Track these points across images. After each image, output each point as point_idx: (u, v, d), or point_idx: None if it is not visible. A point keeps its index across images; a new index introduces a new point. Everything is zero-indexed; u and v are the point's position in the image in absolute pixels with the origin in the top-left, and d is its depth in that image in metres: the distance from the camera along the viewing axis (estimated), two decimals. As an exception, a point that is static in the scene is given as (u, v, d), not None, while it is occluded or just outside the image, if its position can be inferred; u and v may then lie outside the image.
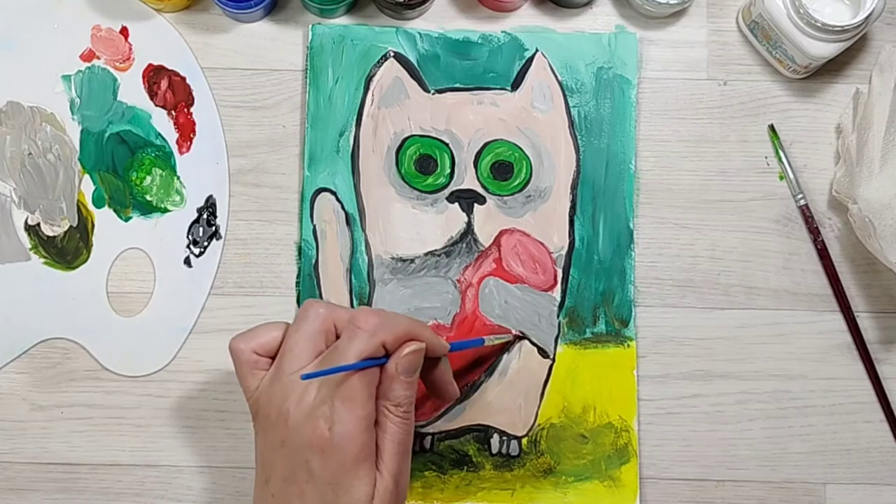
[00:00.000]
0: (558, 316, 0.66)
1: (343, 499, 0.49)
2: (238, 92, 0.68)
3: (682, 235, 0.68)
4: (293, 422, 0.50)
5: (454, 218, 0.67)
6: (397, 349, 0.51)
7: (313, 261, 0.66)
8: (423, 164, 0.67)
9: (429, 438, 0.65)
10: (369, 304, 0.66)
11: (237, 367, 0.53)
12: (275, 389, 0.51)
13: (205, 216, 0.67)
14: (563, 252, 0.67)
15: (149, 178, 0.67)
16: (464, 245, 0.67)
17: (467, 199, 0.67)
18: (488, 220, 0.67)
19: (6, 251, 0.67)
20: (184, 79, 0.68)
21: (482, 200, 0.67)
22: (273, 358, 0.53)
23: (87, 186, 0.67)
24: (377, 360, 0.51)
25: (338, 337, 0.53)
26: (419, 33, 0.68)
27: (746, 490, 0.66)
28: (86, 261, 0.67)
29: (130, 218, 0.67)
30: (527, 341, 0.66)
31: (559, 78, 0.68)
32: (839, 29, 0.62)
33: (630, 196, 0.67)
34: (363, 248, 0.66)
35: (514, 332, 0.65)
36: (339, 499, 0.49)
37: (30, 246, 0.67)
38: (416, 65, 0.68)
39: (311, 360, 0.51)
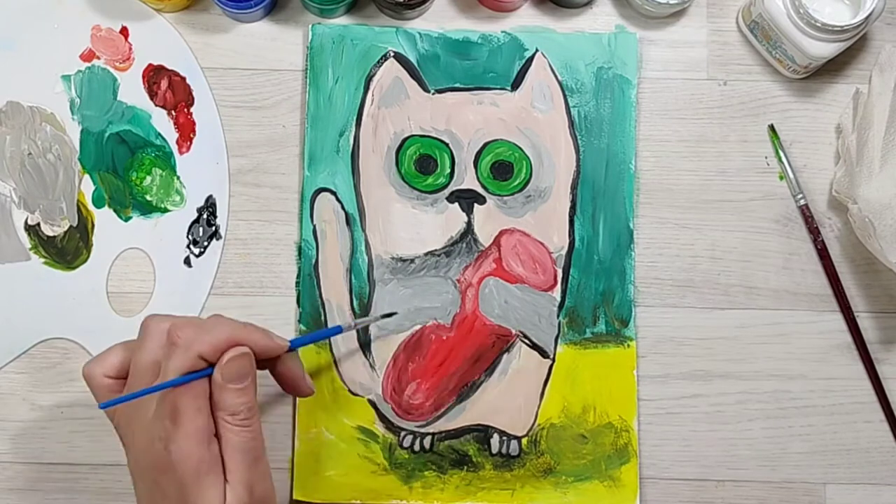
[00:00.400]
0: (558, 316, 0.66)
1: None
2: (238, 92, 0.68)
3: (682, 235, 0.68)
4: (138, 444, 0.50)
5: (454, 218, 0.67)
6: (220, 357, 0.50)
7: (313, 261, 0.66)
8: (423, 164, 0.67)
9: (429, 438, 0.65)
10: (369, 304, 0.66)
11: (93, 392, 0.53)
12: (126, 412, 0.51)
13: (205, 216, 0.67)
14: (563, 252, 0.67)
15: (149, 178, 0.67)
16: (464, 245, 0.67)
17: (467, 199, 0.67)
18: (488, 220, 0.67)
19: (6, 251, 0.67)
20: (184, 79, 0.68)
21: (482, 200, 0.67)
22: (125, 379, 0.53)
23: (87, 186, 0.67)
24: (199, 374, 0.50)
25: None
26: (419, 33, 0.68)
27: (746, 490, 0.66)
28: (86, 261, 0.67)
29: (130, 218, 0.67)
30: (525, 342, 0.66)
31: (559, 78, 0.68)
32: (839, 29, 0.62)
33: (630, 196, 0.67)
34: (363, 248, 0.66)
35: (378, 315, 0.65)
36: None
37: (30, 246, 0.67)
38: (416, 65, 0.68)
39: (156, 378, 0.50)
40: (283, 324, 0.66)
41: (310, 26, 0.68)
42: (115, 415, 0.52)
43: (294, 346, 0.56)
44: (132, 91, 0.68)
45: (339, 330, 0.62)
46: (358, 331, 0.66)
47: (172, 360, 0.49)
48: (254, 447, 0.51)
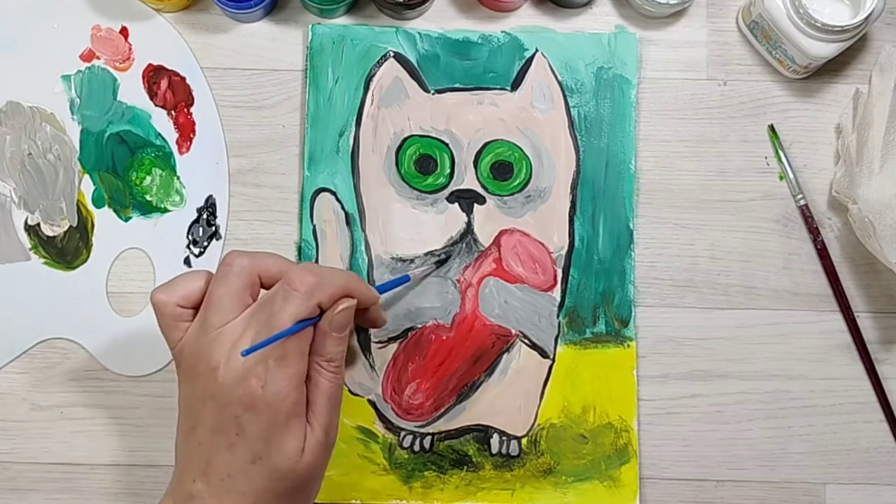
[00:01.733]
0: (558, 316, 0.66)
1: (274, 451, 0.49)
2: (238, 92, 0.68)
3: (682, 235, 0.68)
4: (223, 378, 0.49)
5: (454, 218, 0.67)
6: (331, 307, 0.51)
7: (313, 261, 0.66)
8: (422, 164, 0.67)
9: (429, 438, 0.65)
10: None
11: (160, 320, 0.53)
12: (201, 343, 0.51)
13: (205, 216, 0.67)
14: (563, 252, 0.67)
15: (149, 178, 0.67)
16: (464, 245, 0.67)
17: (467, 199, 0.67)
18: (488, 220, 0.67)
19: (6, 251, 0.67)
20: (184, 79, 0.68)
21: (482, 200, 0.67)
22: (196, 308, 0.53)
23: (87, 186, 0.67)
24: (311, 320, 0.51)
25: (263, 287, 0.52)
26: (419, 33, 0.68)
27: (746, 490, 0.66)
28: (86, 261, 0.67)
29: (130, 218, 0.67)
30: (525, 342, 0.66)
31: (559, 78, 0.68)
32: (839, 29, 0.62)
33: (630, 196, 0.67)
34: (363, 248, 0.66)
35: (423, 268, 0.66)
36: (270, 451, 0.49)
37: (30, 246, 0.67)
38: (416, 65, 0.68)
39: (238, 314, 0.51)
40: (283, 324, 0.66)
41: (310, 26, 0.68)
42: (183, 343, 0.52)
43: (385, 290, 0.59)
44: (132, 91, 0.68)
45: (407, 279, 0.63)
46: (358, 331, 0.66)
47: (291, 306, 0.50)
48: (338, 393, 0.53)
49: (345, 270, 0.54)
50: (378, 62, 0.68)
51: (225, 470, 0.49)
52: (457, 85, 0.68)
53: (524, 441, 0.65)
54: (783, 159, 0.68)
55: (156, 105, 0.68)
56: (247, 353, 0.49)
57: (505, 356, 0.66)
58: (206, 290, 0.52)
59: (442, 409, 0.66)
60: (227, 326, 0.51)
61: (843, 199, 0.66)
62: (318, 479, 0.53)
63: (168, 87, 0.68)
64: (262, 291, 0.53)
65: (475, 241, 0.67)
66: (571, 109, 0.68)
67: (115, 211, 0.67)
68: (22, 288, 0.66)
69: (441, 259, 0.66)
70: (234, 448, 0.49)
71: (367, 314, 0.58)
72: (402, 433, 0.65)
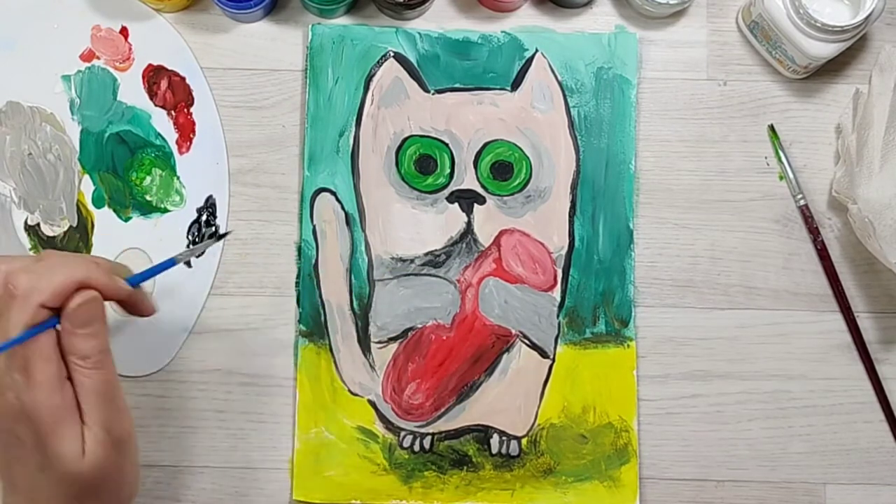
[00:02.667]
0: (558, 316, 0.66)
1: (52, 458, 0.47)
2: (238, 92, 0.68)
3: (682, 235, 0.68)
4: None
5: (454, 218, 0.67)
6: (66, 302, 0.47)
7: (313, 261, 0.66)
8: (422, 164, 0.67)
9: (429, 438, 0.65)
10: (369, 304, 0.66)
11: None
12: None
13: (205, 216, 0.67)
14: (563, 252, 0.67)
15: (149, 178, 0.67)
16: (464, 245, 0.67)
17: (467, 199, 0.67)
18: (488, 220, 0.67)
19: (6, 251, 0.67)
20: (184, 79, 0.68)
21: (482, 200, 0.67)
22: None
23: (87, 186, 0.67)
24: (44, 325, 0.47)
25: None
26: (419, 33, 0.68)
27: (746, 490, 0.66)
28: (86, 261, 0.67)
29: (130, 218, 0.67)
30: (525, 342, 0.66)
31: (559, 78, 0.68)
32: (839, 29, 0.62)
33: (630, 196, 0.67)
34: (363, 248, 0.66)
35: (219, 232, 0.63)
36: (49, 461, 0.48)
37: (30, 246, 0.67)
38: (415, 65, 0.68)
39: None
40: (282, 324, 0.66)
41: (310, 26, 0.68)
42: None
43: (133, 284, 0.53)
44: (132, 91, 0.68)
45: (172, 263, 0.56)
46: (357, 329, 0.66)
47: (13, 314, 0.46)
48: (109, 388, 0.49)
49: (83, 258, 0.49)
50: (378, 62, 0.68)
51: (26, 482, 0.48)
52: (457, 85, 0.68)
53: (524, 441, 0.65)
54: (783, 159, 0.68)
55: (156, 105, 0.68)
56: None
57: (505, 356, 0.66)
58: None
59: (442, 409, 0.65)
60: None
61: (843, 199, 0.66)
62: (121, 477, 0.50)
63: (168, 87, 0.68)
64: None
65: (475, 241, 0.67)
66: (571, 109, 0.68)
67: (115, 211, 0.67)
68: (22, 288, 0.66)
69: (220, 235, 0.62)
70: (23, 460, 0.48)
71: (128, 304, 0.53)
72: (402, 433, 0.65)
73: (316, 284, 0.66)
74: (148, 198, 0.67)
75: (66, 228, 0.67)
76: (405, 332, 0.66)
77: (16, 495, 0.49)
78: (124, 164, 0.67)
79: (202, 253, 0.65)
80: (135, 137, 0.67)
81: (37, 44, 0.68)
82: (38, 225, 0.67)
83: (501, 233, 0.67)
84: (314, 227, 0.67)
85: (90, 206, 0.67)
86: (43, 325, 0.47)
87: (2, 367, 0.48)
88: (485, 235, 0.67)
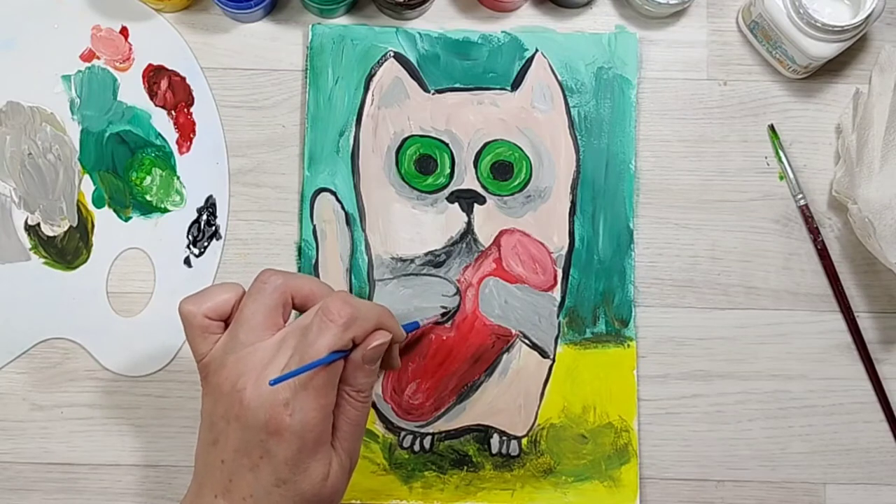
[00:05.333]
0: (558, 316, 0.66)
1: (300, 477, 0.49)
2: (238, 92, 0.68)
3: (682, 235, 0.68)
4: (249, 401, 0.49)
5: (454, 218, 0.67)
6: (365, 340, 0.51)
7: (313, 261, 0.66)
8: (423, 164, 0.67)
9: (429, 438, 0.65)
10: (369, 304, 0.66)
11: (187, 331, 0.52)
12: (229, 360, 0.50)
13: (205, 216, 0.67)
14: (563, 252, 0.67)
15: (149, 178, 0.67)
16: (464, 245, 0.67)
17: (467, 199, 0.67)
18: (488, 220, 0.67)
19: (6, 251, 0.67)
20: (184, 79, 0.68)
21: (482, 200, 0.67)
22: (225, 321, 0.52)
23: (87, 186, 0.67)
24: (344, 352, 0.50)
25: (295, 307, 0.52)
26: (419, 33, 0.68)
27: (746, 490, 0.66)
28: (86, 261, 0.67)
29: (130, 218, 0.67)
30: (525, 342, 0.66)
31: (559, 78, 0.68)
32: (839, 29, 0.62)
33: (630, 196, 0.67)
34: (363, 248, 0.66)
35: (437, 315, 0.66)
36: (295, 477, 0.49)
37: (30, 246, 0.67)
38: (416, 65, 0.68)
39: (268, 333, 0.50)
40: (283, 324, 0.66)
41: (310, 26, 0.68)
42: (210, 357, 0.52)
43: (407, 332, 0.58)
44: (132, 91, 0.68)
45: (416, 325, 0.62)
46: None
47: (326, 336, 0.49)
48: (364, 420, 0.53)
49: (379, 305, 0.53)
50: (378, 62, 0.68)
51: (247, 490, 0.49)
52: (457, 85, 0.68)
53: (524, 441, 0.65)
54: (783, 159, 0.68)
55: (156, 105, 0.68)
56: (275, 381, 0.48)
57: (505, 356, 0.66)
58: (235, 304, 0.52)
59: (442, 409, 0.66)
60: (257, 346, 0.50)
61: (843, 199, 0.66)
62: (341, 499, 0.53)
63: (168, 87, 0.68)
64: (293, 313, 0.53)
65: (475, 241, 0.67)
66: (571, 109, 0.68)
67: (115, 211, 0.67)
68: (22, 288, 0.66)
69: (448, 311, 0.66)
70: (258, 470, 0.49)
71: (388, 354, 0.56)
72: (403, 433, 0.65)
73: (316, 284, 0.66)
74: (148, 198, 0.67)
75: (66, 228, 0.67)
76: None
77: (226, 499, 0.50)
78: (124, 164, 0.67)
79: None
80: (135, 137, 0.67)
81: (37, 44, 0.68)
82: (38, 225, 0.67)
83: (501, 233, 0.67)
84: (314, 227, 0.67)
85: (90, 206, 0.67)
86: (342, 353, 0.50)
87: (287, 383, 0.49)
88: (485, 235, 0.67)
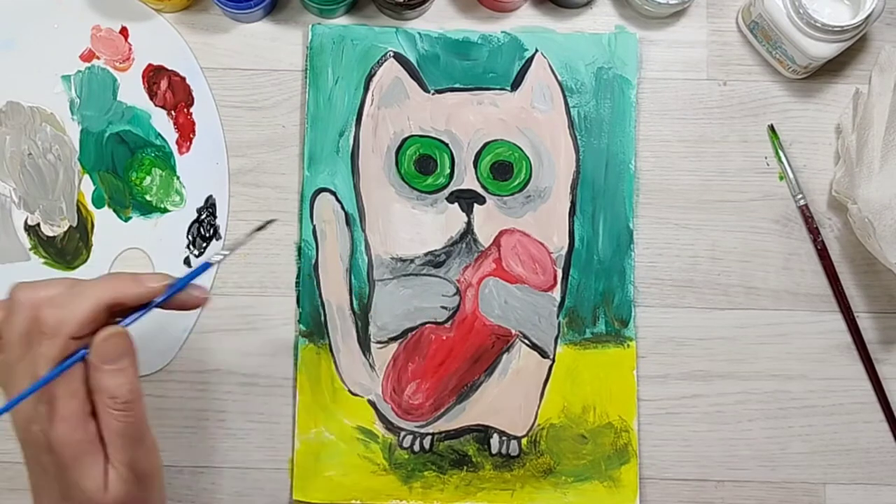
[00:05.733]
0: (558, 316, 0.66)
1: (73, 490, 0.47)
2: (238, 92, 0.68)
3: (682, 235, 0.68)
4: (16, 423, 0.48)
5: (454, 218, 0.67)
6: (94, 334, 0.47)
7: (313, 261, 0.66)
8: (422, 164, 0.67)
9: (429, 438, 0.65)
10: (369, 304, 0.66)
11: None
12: (3, 388, 0.49)
13: (205, 216, 0.67)
14: (563, 252, 0.67)
15: (149, 179, 0.67)
16: (464, 245, 0.67)
17: (467, 200, 0.67)
18: (488, 221, 0.67)
19: (6, 251, 0.67)
20: (184, 79, 0.68)
21: (482, 200, 0.67)
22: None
23: (87, 186, 0.67)
24: (73, 359, 0.46)
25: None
26: (419, 33, 0.68)
27: (746, 490, 0.66)
28: (86, 261, 0.67)
29: (130, 218, 0.67)
30: (525, 342, 0.66)
31: (559, 78, 0.68)
32: (839, 29, 0.62)
33: (630, 196, 0.67)
34: (363, 248, 0.66)
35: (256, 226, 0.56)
36: (70, 491, 0.48)
37: (30, 246, 0.67)
38: (415, 65, 0.68)
39: (25, 355, 0.47)
40: (283, 324, 0.66)
41: (310, 26, 0.68)
42: None
43: (170, 294, 0.50)
44: (132, 91, 0.68)
45: (207, 266, 0.53)
46: (357, 329, 0.66)
47: (43, 348, 0.46)
48: (135, 431, 0.48)
49: (105, 276, 0.48)
50: (378, 62, 0.68)
51: None
52: (457, 85, 0.68)
53: (524, 441, 0.65)
54: (783, 159, 0.68)
55: (156, 105, 0.68)
56: (1, 411, 0.47)
57: (505, 356, 0.66)
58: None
59: (442, 410, 0.66)
60: (15, 367, 0.47)
61: (843, 199, 0.66)
62: None
63: (168, 87, 0.68)
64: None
65: (475, 241, 0.67)
66: (571, 109, 0.68)
67: (115, 211, 0.67)
68: (22, 288, 0.66)
69: (260, 226, 0.56)
70: (48, 488, 0.48)
71: (173, 304, 0.50)
72: (402, 433, 0.65)
73: (316, 284, 0.66)
74: (148, 198, 0.67)
75: (66, 228, 0.67)
76: (405, 332, 0.66)
77: None
78: (124, 164, 0.67)
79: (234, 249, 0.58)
80: (135, 137, 0.67)
81: (37, 44, 0.68)
82: (38, 225, 0.67)
83: (501, 233, 0.67)
84: (314, 227, 0.67)
85: (90, 206, 0.67)
86: (72, 359, 0.46)
87: (29, 401, 0.47)
88: (485, 235, 0.67)
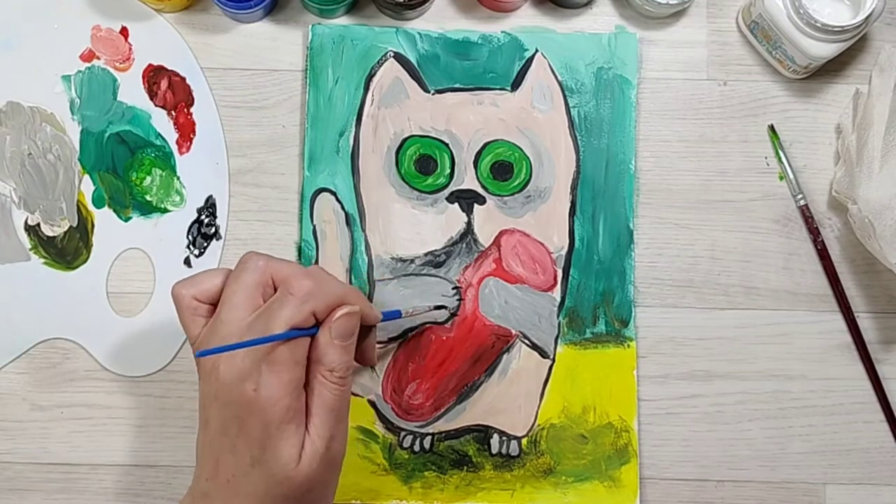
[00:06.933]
0: (558, 316, 0.66)
1: (269, 456, 0.49)
2: (238, 92, 0.68)
3: (682, 235, 0.68)
4: (223, 377, 0.49)
5: (454, 218, 0.67)
6: (329, 315, 0.51)
7: (313, 261, 0.66)
8: (422, 164, 0.67)
9: (429, 438, 0.65)
10: (369, 304, 0.66)
11: (179, 313, 0.53)
12: (212, 340, 0.51)
13: (205, 216, 0.67)
14: (563, 252, 0.67)
15: (149, 179, 0.67)
16: (464, 245, 0.67)
17: (467, 200, 0.67)
18: (488, 221, 0.67)
19: (6, 251, 0.67)
20: (184, 79, 0.68)
21: (482, 201, 0.67)
22: (213, 305, 0.53)
23: (87, 186, 0.67)
24: (306, 331, 0.50)
25: (276, 290, 0.52)
26: (419, 33, 0.68)
27: (746, 490, 0.66)
28: (86, 261, 0.67)
29: (130, 218, 0.67)
30: (525, 342, 0.66)
31: (559, 78, 0.68)
32: (839, 29, 0.62)
33: (630, 196, 0.67)
34: (363, 248, 0.66)
35: (431, 306, 0.65)
36: (265, 456, 0.49)
37: (30, 246, 0.67)
38: (416, 65, 0.68)
39: (249, 313, 0.51)
40: (283, 324, 0.66)
41: (310, 26, 0.68)
42: (199, 339, 0.52)
43: (383, 319, 0.57)
44: (132, 91, 0.68)
45: (398, 314, 0.61)
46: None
47: (285, 310, 0.49)
48: (342, 405, 0.51)
49: (349, 285, 0.53)
50: (378, 62, 0.68)
51: (230, 471, 0.50)
52: (457, 85, 0.68)
53: (524, 441, 0.65)
54: (783, 159, 0.68)
55: (156, 105, 0.68)
56: (203, 354, 0.49)
57: (505, 356, 0.66)
58: (223, 287, 0.52)
59: (442, 410, 0.66)
60: (233, 326, 0.50)
61: (843, 199, 0.66)
62: (323, 493, 0.52)
63: (168, 87, 0.68)
64: None
65: (475, 241, 0.67)
66: (571, 109, 0.68)
67: (115, 211, 0.67)
68: (22, 288, 0.66)
69: (439, 305, 0.65)
70: (236, 449, 0.49)
71: (365, 346, 0.57)
72: (402, 433, 0.65)
73: (316, 284, 0.66)
74: (148, 198, 0.67)
75: (66, 228, 0.67)
76: (405, 332, 0.66)
77: (214, 482, 0.50)
78: (124, 164, 0.67)
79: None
80: (135, 137, 0.67)
81: (37, 44, 0.68)
82: (38, 225, 0.67)
83: (501, 233, 0.67)
84: (314, 227, 0.67)
85: (90, 206, 0.67)
86: (309, 330, 0.50)
87: (253, 357, 0.49)
88: (485, 235, 0.67)
